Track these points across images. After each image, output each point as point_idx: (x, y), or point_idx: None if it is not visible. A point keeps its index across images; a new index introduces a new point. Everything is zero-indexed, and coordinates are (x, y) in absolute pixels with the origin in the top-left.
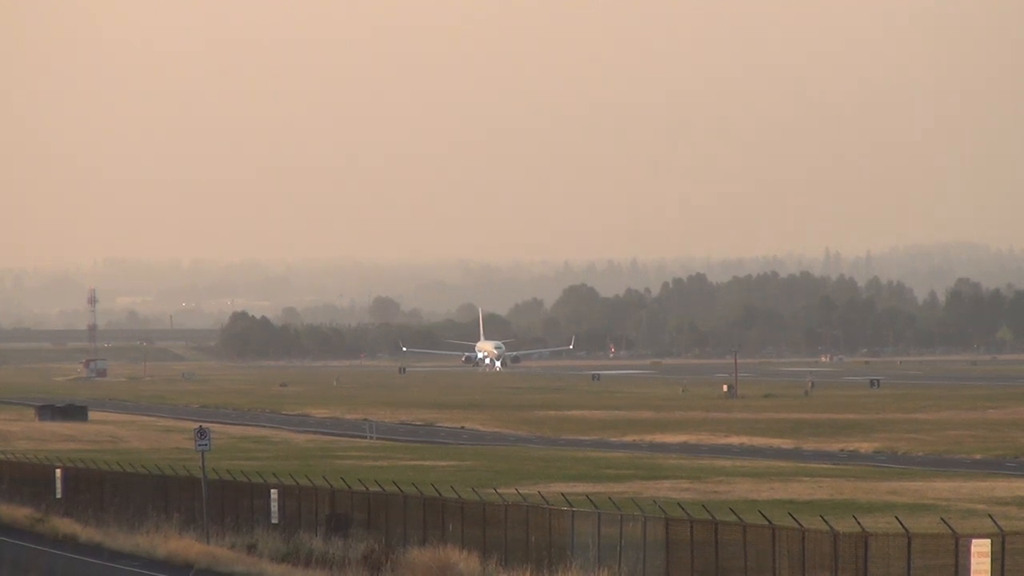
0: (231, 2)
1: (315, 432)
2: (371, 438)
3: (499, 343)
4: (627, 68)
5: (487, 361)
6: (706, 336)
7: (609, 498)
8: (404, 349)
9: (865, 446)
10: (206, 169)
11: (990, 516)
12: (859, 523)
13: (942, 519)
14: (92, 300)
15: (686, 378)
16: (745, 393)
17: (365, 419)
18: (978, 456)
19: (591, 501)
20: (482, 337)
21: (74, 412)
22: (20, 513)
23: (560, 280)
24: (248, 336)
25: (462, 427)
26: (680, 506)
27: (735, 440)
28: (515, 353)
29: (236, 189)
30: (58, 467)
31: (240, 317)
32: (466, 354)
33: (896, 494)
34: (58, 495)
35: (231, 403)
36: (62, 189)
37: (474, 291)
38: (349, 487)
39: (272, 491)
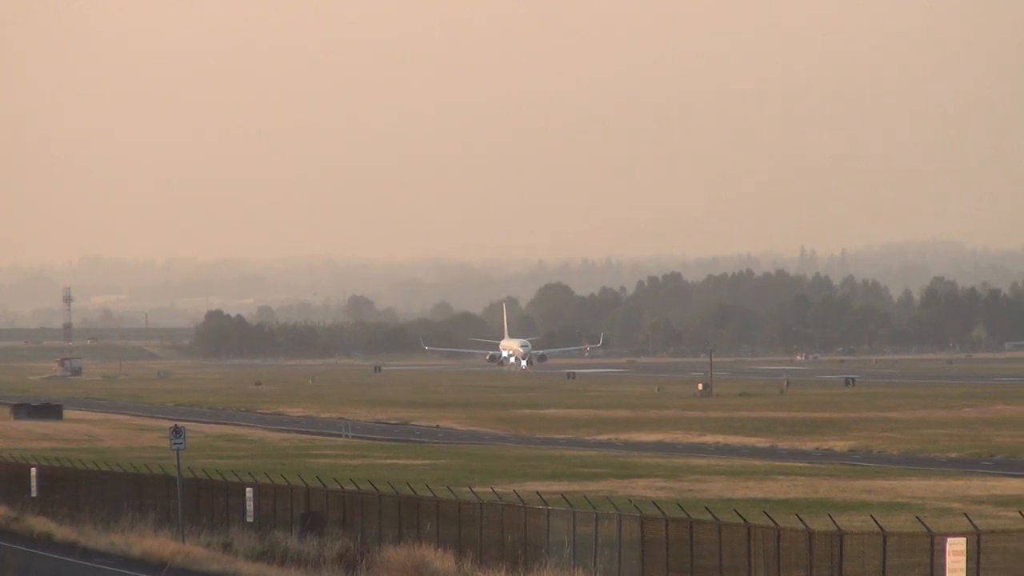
0: (213, 2)
1: (290, 431)
2: (346, 437)
3: (525, 341)
4: (602, 69)
5: (512, 360)
6: (681, 334)
7: (584, 497)
8: (426, 348)
9: (840, 445)
10: (181, 169)
11: (965, 515)
12: (834, 522)
13: (917, 518)
14: (67, 299)
15: (661, 377)
16: (720, 392)
17: (340, 418)
18: (953, 455)
19: (566, 500)
20: (506, 335)
21: (49, 411)
22: None
23: (535, 279)
24: (223, 335)
25: (437, 426)
26: (655, 505)
27: (710, 439)
28: (541, 352)
29: (211, 189)
30: (33, 466)
31: (215, 316)
32: (491, 353)
33: (871, 493)
34: (33, 494)
35: (206, 402)
36: (37, 188)
37: (449, 290)
38: (324, 486)
39: (247, 490)
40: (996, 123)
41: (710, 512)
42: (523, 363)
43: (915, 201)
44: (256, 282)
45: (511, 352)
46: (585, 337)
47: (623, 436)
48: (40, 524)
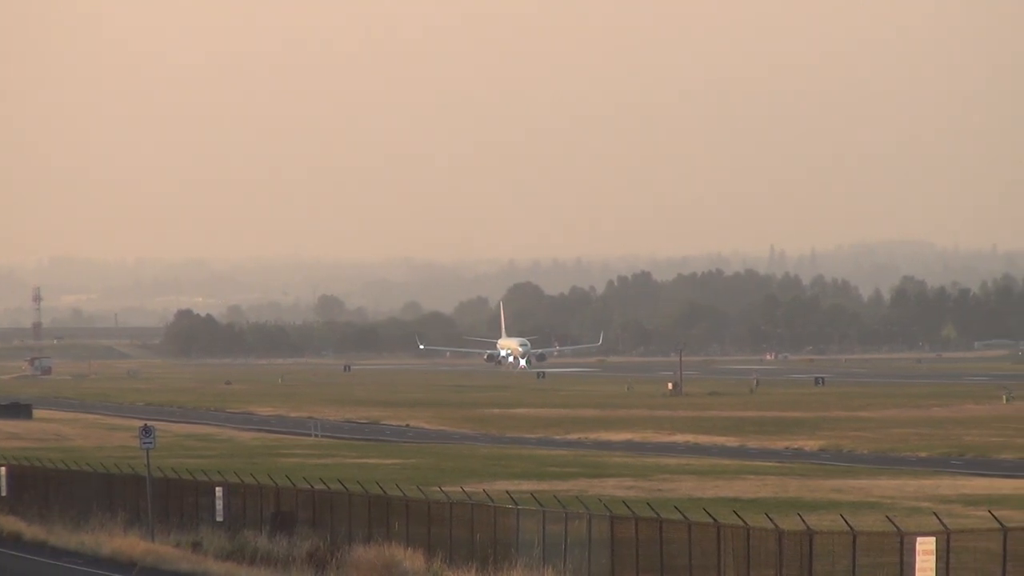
0: (186, 4)
1: (260, 430)
2: (316, 436)
3: (524, 340)
4: (572, 70)
5: (510, 359)
6: (651, 334)
7: (554, 496)
8: (421, 347)
9: (810, 444)
10: (150, 168)
11: (935, 514)
12: (804, 521)
13: (887, 517)
14: (37, 298)
15: (631, 376)
16: (690, 391)
17: (310, 417)
18: (923, 454)
19: (536, 499)
20: (504, 334)
21: (19, 410)
22: None
23: (505, 278)
24: (193, 334)
25: (407, 425)
26: (625, 504)
27: (680, 438)
28: (540, 351)
29: (181, 188)
30: (2, 465)
31: (185, 315)
32: (488, 352)
33: (841, 492)
34: (3, 493)
35: (176, 401)
36: (6, 187)
37: (419, 289)
38: (294, 485)
39: (217, 489)
40: (966, 124)
41: (680, 511)
42: (522, 362)
43: (885, 201)
44: (226, 281)
45: (509, 351)
46: (554, 336)
47: (593, 435)
48: (9, 524)
